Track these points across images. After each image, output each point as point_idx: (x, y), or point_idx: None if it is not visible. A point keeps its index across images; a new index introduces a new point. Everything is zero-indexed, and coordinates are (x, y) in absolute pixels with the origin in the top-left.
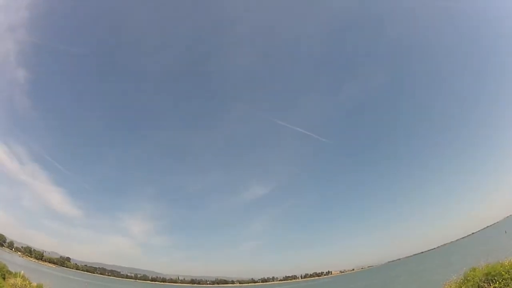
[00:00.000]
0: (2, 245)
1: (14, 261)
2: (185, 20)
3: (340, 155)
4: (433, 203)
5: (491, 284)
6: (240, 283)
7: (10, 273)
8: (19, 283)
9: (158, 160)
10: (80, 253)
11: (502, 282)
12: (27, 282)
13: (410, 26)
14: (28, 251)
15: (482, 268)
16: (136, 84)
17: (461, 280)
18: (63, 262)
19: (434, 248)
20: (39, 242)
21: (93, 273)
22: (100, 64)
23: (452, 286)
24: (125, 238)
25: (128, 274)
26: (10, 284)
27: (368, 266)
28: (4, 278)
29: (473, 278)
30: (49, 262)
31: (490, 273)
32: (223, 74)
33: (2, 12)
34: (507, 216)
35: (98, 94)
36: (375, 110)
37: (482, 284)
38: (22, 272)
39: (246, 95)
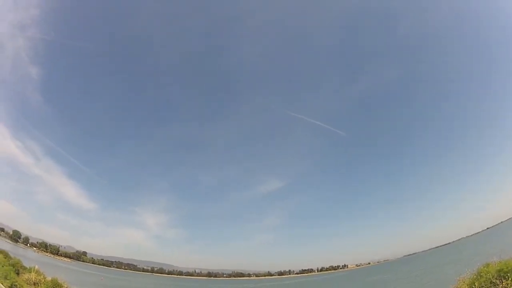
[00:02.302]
0: (17, 241)
1: (29, 257)
2: (196, 14)
3: (355, 147)
4: (449, 196)
5: (504, 281)
6: (256, 276)
7: (25, 268)
8: (33, 277)
9: (172, 153)
10: (96, 247)
11: None
12: (42, 277)
13: (422, 21)
14: (44, 246)
15: (495, 264)
16: (148, 78)
17: (475, 276)
18: (79, 256)
19: (450, 243)
20: (55, 237)
21: (110, 267)
22: (112, 59)
23: (466, 282)
24: (141, 231)
25: (145, 268)
26: (24, 279)
27: (384, 260)
28: (18, 274)
29: (486, 274)
30: (65, 257)
31: (502, 269)
32: (236, 67)
33: (12, 11)
34: None
35: (110, 88)
36: (388, 104)
37: (494, 281)
38: (37, 266)
39: (260, 88)
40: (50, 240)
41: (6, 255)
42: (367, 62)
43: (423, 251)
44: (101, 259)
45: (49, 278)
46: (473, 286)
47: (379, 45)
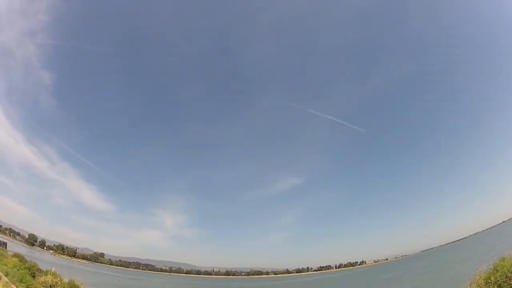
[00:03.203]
0: (33, 244)
1: (46, 259)
2: (208, 13)
3: (372, 143)
4: (465, 191)
5: None
6: (274, 273)
7: (41, 271)
8: (49, 280)
9: (188, 154)
10: (114, 248)
11: None
12: (58, 279)
13: (433, 15)
14: (61, 249)
15: (510, 258)
16: (162, 79)
17: (491, 270)
18: (96, 258)
19: (466, 237)
20: (72, 239)
21: (128, 267)
22: (124, 61)
23: (482, 276)
24: (158, 232)
25: (163, 268)
26: (41, 282)
27: (402, 256)
28: (34, 277)
29: (501, 268)
30: (82, 259)
31: None
32: (250, 66)
33: (21, 18)
34: None
35: (123, 90)
36: (402, 99)
37: (510, 275)
38: (53, 269)
39: (274, 86)
40: (68, 242)
41: (21, 258)
42: (381, 57)
43: (439, 246)
44: (119, 260)
45: (66, 280)
46: (489, 281)
47: (392, 40)
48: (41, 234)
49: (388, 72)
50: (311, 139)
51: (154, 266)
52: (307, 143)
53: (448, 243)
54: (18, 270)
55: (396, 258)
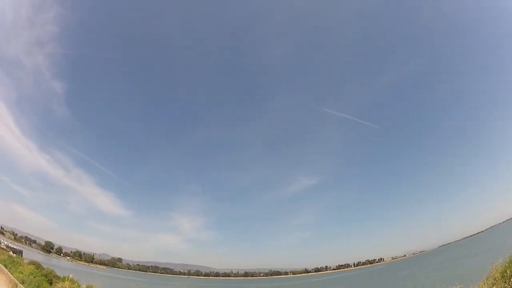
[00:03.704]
0: (50, 252)
1: (63, 266)
2: (218, 15)
3: (387, 140)
4: (482, 184)
5: None
6: (293, 273)
7: (58, 277)
8: (67, 286)
9: (203, 157)
10: (131, 253)
11: None
12: (76, 285)
13: (443, 8)
14: (78, 255)
15: None
16: (173, 83)
17: (507, 264)
18: (114, 263)
19: (482, 231)
20: (90, 246)
21: (146, 271)
22: (135, 66)
23: (498, 270)
24: (175, 235)
25: (181, 271)
26: None
27: (420, 252)
28: (51, 283)
29: None
30: (100, 264)
31: None
32: (262, 67)
33: (28, 28)
34: None
35: (136, 96)
36: (415, 94)
37: None
38: (71, 275)
39: (287, 86)
40: (85, 249)
41: (38, 266)
42: (391, 52)
43: (456, 241)
44: (137, 265)
45: (83, 286)
46: (505, 274)
47: (401, 34)
48: (58, 241)
49: (400, 66)
50: (325, 138)
51: (173, 269)
52: (321, 142)
53: (465, 238)
54: (34, 277)
55: (413, 254)
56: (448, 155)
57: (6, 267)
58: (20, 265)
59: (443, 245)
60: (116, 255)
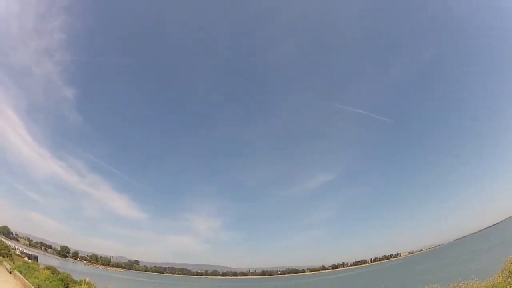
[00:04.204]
0: (66, 256)
1: (79, 270)
2: (225, 15)
3: (402, 133)
4: (500, 173)
5: None
6: (310, 271)
7: (75, 281)
8: None
9: (216, 158)
10: (148, 255)
11: None
12: None
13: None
14: (94, 259)
15: None
16: (184, 86)
17: None
18: (131, 265)
19: (497, 223)
20: (106, 249)
21: (163, 273)
22: (144, 70)
23: None
24: (192, 236)
25: (198, 271)
26: None
27: (436, 246)
28: (67, 287)
29: None
30: (117, 267)
31: None
32: (271, 66)
33: (35, 38)
34: None
35: (147, 100)
36: (426, 87)
37: None
38: (87, 279)
39: (298, 84)
40: (101, 252)
41: (54, 270)
42: (400, 45)
43: (471, 234)
44: (154, 266)
45: None
46: None
47: (409, 26)
48: (74, 246)
49: (410, 58)
50: (340, 134)
51: (190, 270)
52: (336, 138)
53: (480, 230)
54: (50, 282)
55: (430, 248)
56: (465, 150)
57: (21, 273)
58: (35, 271)
59: (459, 238)
60: (133, 257)
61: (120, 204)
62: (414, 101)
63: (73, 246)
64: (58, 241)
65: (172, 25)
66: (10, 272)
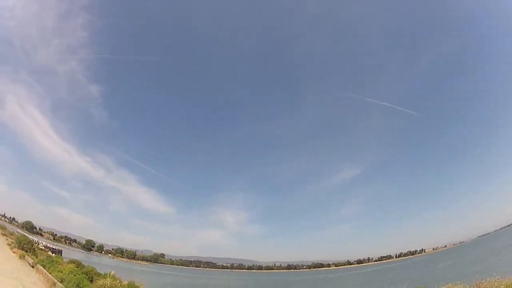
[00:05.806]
0: (91, 250)
1: (105, 263)
2: (251, 10)
3: (430, 126)
4: None
5: None
6: (335, 265)
7: (99, 275)
8: (108, 283)
9: (246, 152)
10: (175, 249)
11: None
12: (118, 282)
13: None
14: (120, 252)
15: None
16: (211, 81)
17: None
18: (156, 258)
19: None
20: (132, 243)
21: (188, 266)
22: (172, 66)
23: None
24: (219, 230)
25: (224, 265)
26: (99, 286)
27: (460, 242)
28: (92, 281)
29: None
30: (142, 260)
31: None
32: (299, 60)
33: (57, 36)
34: None
35: (173, 96)
36: (452, 79)
37: None
38: (113, 272)
39: (325, 77)
40: (127, 246)
41: (78, 264)
42: (425, 37)
43: (495, 231)
44: (180, 260)
45: (125, 282)
46: None
47: (434, 19)
48: (99, 240)
49: (434, 52)
50: (367, 127)
51: (215, 263)
52: (363, 131)
53: (503, 227)
54: (74, 275)
55: (454, 245)
56: (490, 145)
57: (44, 267)
58: (59, 264)
59: (483, 235)
60: (159, 251)
61: (147, 198)
62: (439, 93)
63: (98, 240)
64: (82, 235)
65: (197, 20)
66: (33, 267)
